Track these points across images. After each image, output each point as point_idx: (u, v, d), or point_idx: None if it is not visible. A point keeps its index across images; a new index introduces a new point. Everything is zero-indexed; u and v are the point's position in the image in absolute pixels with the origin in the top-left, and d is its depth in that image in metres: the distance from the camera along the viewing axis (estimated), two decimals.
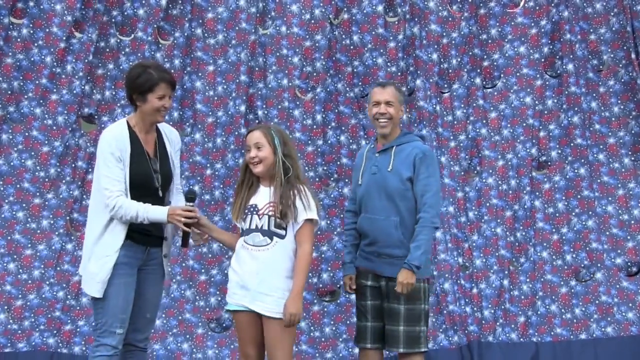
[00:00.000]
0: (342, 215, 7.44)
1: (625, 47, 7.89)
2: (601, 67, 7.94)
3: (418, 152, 5.59)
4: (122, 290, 5.13)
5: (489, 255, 7.66)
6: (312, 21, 7.86)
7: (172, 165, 5.43)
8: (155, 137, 5.38)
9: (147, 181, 5.20)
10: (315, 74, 7.83)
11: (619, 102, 7.89)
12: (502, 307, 7.56)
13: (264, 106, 7.78)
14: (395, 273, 5.51)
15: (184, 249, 5.44)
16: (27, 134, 7.54)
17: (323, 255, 7.60)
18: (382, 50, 7.85)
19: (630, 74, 7.87)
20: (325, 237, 7.59)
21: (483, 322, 7.55)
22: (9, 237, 7.41)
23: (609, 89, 7.91)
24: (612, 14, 7.90)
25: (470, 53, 7.97)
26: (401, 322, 5.55)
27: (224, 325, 7.48)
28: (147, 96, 5.20)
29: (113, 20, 7.76)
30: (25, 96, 7.59)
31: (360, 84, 7.81)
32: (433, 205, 5.51)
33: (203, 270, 7.54)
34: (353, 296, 6.18)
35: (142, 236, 5.22)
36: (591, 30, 7.95)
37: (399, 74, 7.86)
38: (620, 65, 7.89)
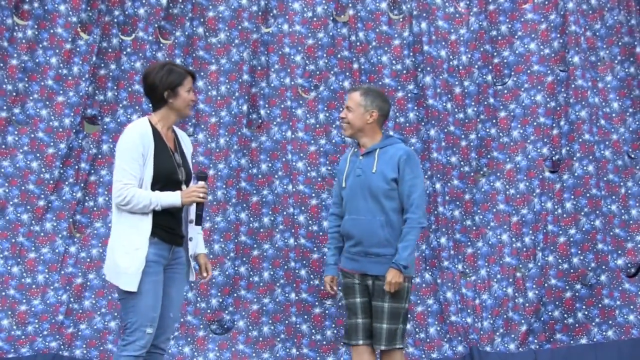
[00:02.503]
0: None
1: (620, 43, 7.72)
2: (598, 63, 7.78)
3: (402, 154, 5.74)
4: (152, 289, 5.17)
5: (494, 264, 7.52)
6: (315, 19, 7.76)
7: (189, 163, 5.55)
8: (173, 135, 5.50)
9: (171, 174, 5.29)
10: (318, 73, 7.73)
11: (617, 98, 7.73)
12: (504, 316, 7.42)
13: (267, 105, 7.69)
14: (381, 271, 5.69)
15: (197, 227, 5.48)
16: (32, 135, 7.54)
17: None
18: (386, 48, 7.72)
19: (627, 70, 7.69)
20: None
21: (482, 332, 7.42)
22: (13, 240, 7.41)
23: (606, 85, 7.74)
24: (606, 9, 7.73)
25: (482, 49, 7.80)
26: (384, 319, 5.71)
27: (225, 326, 7.42)
28: (178, 90, 5.33)
29: (115, 20, 7.73)
30: (31, 97, 7.58)
31: (367, 81, 7.69)
32: (420, 205, 5.71)
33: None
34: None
35: (168, 234, 5.28)
36: (587, 27, 7.78)
37: (405, 71, 7.72)
38: (616, 62, 7.71)
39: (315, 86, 7.71)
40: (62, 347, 7.19)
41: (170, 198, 5.22)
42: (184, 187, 5.40)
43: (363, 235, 5.73)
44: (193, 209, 5.46)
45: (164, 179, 5.26)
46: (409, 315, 6.27)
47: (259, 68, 7.74)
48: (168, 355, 7.24)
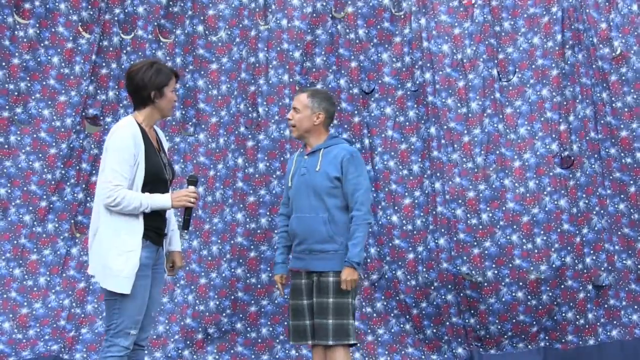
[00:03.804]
0: None
1: (636, 34, 7.54)
2: (613, 54, 7.59)
3: (345, 154, 5.82)
4: (141, 292, 5.14)
5: (502, 266, 7.32)
6: (314, 14, 7.63)
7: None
8: (155, 134, 5.46)
9: (160, 174, 5.26)
10: (315, 70, 7.60)
11: (632, 90, 7.51)
12: (514, 320, 7.29)
13: (265, 103, 7.56)
14: (325, 267, 5.75)
15: (184, 232, 5.42)
16: (35, 135, 7.52)
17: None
18: (387, 45, 7.59)
19: None
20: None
21: (487, 336, 7.32)
22: (15, 242, 7.39)
23: (621, 77, 7.54)
24: None
25: (487, 42, 7.65)
26: (330, 315, 5.74)
27: (223, 330, 7.30)
28: (164, 90, 5.27)
29: (115, 18, 7.67)
30: (33, 97, 7.56)
31: (366, 79, 7.55)
32: (364, 202, 5.76)
33: (203, 274, 7.40)
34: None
35: (158, 236, 5.26)
36: (603, 19, 7.59)
37: (404, 69, 7.59)
38: (632, 52, 7.52)
39: (312, 84, 7.57)
40: (62, 350, 7.16)
41: (160, 201, 5.16)
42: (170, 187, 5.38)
43: (307, 232, 5.81)
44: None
45: (153, 179, 5.22)
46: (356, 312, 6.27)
47: (257, 65, 7.61)
48: (167, 359, 7.20)
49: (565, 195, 7.38)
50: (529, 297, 7.28)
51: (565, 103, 7.49)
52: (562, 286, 7.29)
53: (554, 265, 7.29)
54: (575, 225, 7.35)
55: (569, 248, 7.32)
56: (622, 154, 7.47)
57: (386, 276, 7.39)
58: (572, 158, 7.42)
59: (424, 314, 7.33)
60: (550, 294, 7.27)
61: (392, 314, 7.34)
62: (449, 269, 7.29)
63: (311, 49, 7.61)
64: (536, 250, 7.33)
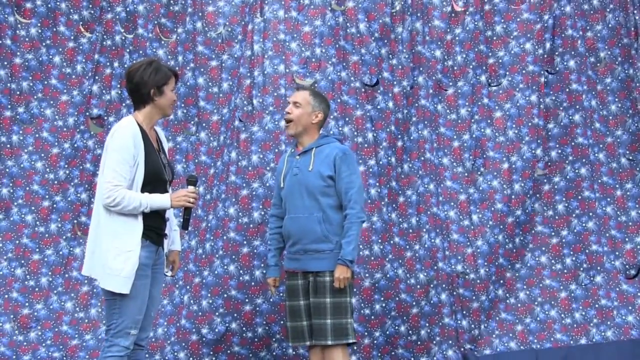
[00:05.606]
0: None
1: (620, 45, 7.70)
2: (598, 64, 7.79)
3: (338, 152, 5.83)
4: (141, 292, 5.18)
5: (491, 264, 7.45)
6: (312, 6, 7.55)
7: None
8: (155, 134, 5.48)
9: (160, 174, 5.30)
10: (314, 60, 7.49)
11: (616, 100, 7.73)
12: (497, 317, 7.40)
13: (259, 94, 7.40)
14: (321, 267, 5.78)
15: (184, 232, 5.44)
16: (37, 135, 7.53)
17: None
18: (386, 41, 7.54)
19: (627, 71, 7.69)
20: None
21: (479, 337, 7.38)
22: (17, 241, 7.40)
23: (606, 87, 7.75)
24: (608, 10, 7.71)
25: (476, 49, 7.73)
26: (328, 315, 5.76)
27: (216, 330, 7.13)
28: (163, 89, 5.32)
29: (117, 17, 7.66)
30: (35, 97, 7.56)
31: (367, 72, 7.48)
32: (358, 200, 5.78)
33: (197, 272, 7.32)
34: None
35: (158, 236, 5.30)
36: (588, 28, 7.75)
37: (400, 67, 7.55)
38: (617, 63, 7.71)
39: (311, 73, 7.45)
40: (64, 357, 7.12)
41: (160, 201, 5.21)
42: (169, 187, 5.42)
43: (301, 232, 5.82)
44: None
45: (153, 180, 5.25)
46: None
47: (253, 57, 7.48)
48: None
49: (540, 199, 7.57)
50: (507, 295, 7.43)
51: (546, 110, 7.64)
52: (541, 285, 7.44)
53: (529, 264, 7.47)
54: (550, 227, 7.55)
55: (543, 248, 7.50)
56: (609, 159, 7.71)
57: (387, 275, 7.30)
58: (550, 164, 7.62)
59: (423, 313, 7.29)
60: (527, 292, 7.43)
61: (389, 316, 7.25)
62: (444, 268, 7.32)
63: (310, 40, 7.49)
64: (515, 250, 7.49)
